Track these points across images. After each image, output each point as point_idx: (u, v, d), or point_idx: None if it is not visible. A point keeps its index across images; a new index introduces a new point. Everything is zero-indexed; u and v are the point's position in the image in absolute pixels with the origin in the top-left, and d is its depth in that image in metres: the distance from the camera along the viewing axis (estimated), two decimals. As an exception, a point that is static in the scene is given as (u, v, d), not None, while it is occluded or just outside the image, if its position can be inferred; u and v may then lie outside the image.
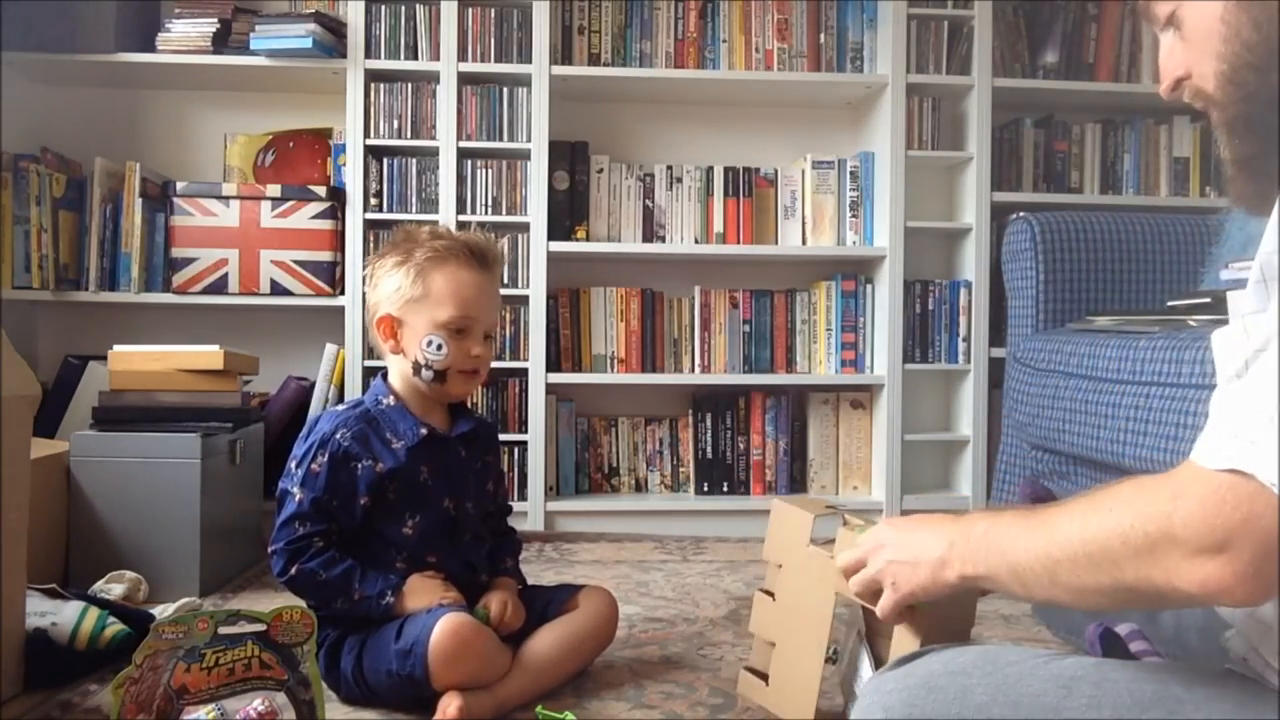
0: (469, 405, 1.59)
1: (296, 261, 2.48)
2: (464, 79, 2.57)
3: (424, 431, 1.45)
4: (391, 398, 1.48)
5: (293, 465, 1.42)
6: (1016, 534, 0.80)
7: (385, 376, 1.52)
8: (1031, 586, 0.78)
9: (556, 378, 2.60)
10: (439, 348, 1.43)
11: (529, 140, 2.57)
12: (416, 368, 1.45)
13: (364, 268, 1.52)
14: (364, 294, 1.54)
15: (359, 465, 1.41)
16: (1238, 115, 0.76)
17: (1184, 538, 0.66)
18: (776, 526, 1.28)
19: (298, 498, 1.39)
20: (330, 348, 2.50)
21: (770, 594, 1.29)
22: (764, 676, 1.31)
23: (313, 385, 2.50)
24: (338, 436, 1.41)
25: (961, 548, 0.85)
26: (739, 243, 2.68)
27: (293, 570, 1.36)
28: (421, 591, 1.38)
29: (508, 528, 1.62)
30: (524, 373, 2.58)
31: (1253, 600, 0.65)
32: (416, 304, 1.44)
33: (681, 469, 2.72)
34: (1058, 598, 0.77)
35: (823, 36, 2.70)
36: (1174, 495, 0.67)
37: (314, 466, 1.40)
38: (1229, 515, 0.64)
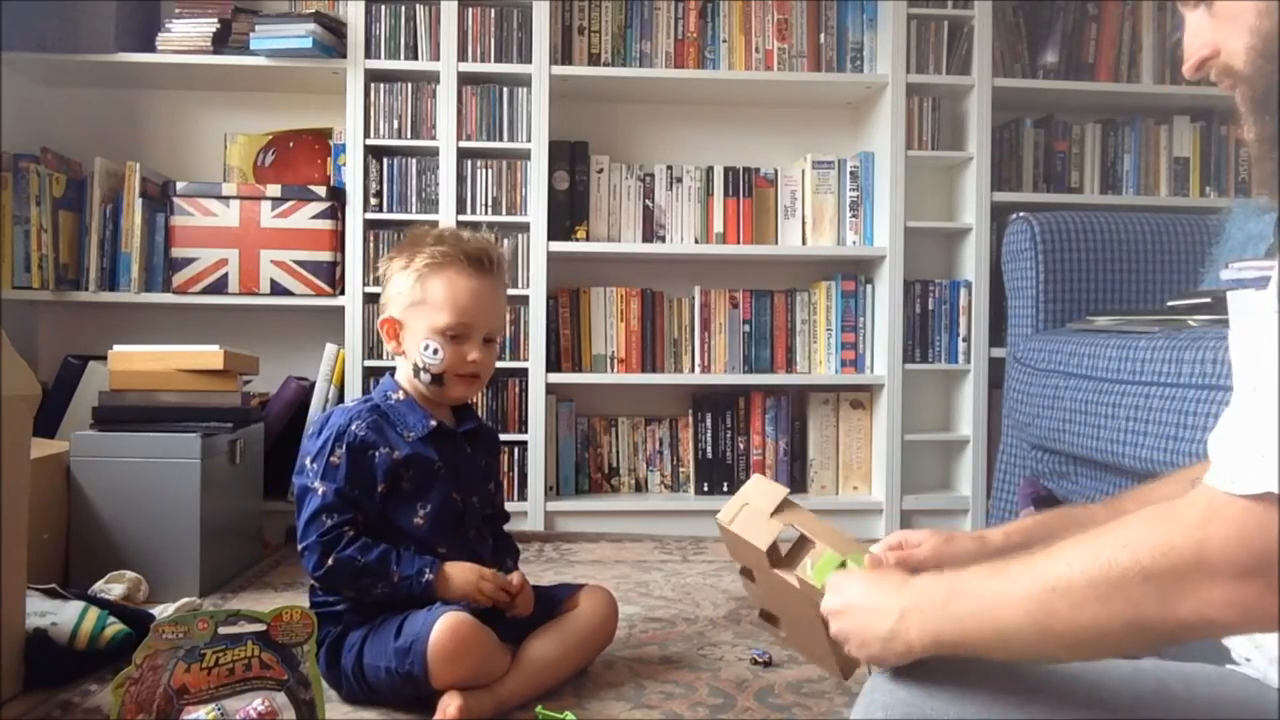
0: (471, 407, 1.60)
1: (296, 261, 2.47)
2: (464, 79, 2.57)
3: (433, 424, 1.47)
4: (400, 393, 1.50)
5: (308, 461, 1.43)
6: (989, 590, 0.72)
7: (394, 374, 1.54)
8: (1020, 645, 0.71)
9: (556, 378, 2.60)
10: (435, 352, 1.45)
11: (529, 140, 2.57)
12: (416, 370, 1.48)
13: (377, 264, 1.54)
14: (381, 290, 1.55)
15: (376, 453, 1.42)
16: (1268, 90, 0.74)
17: (1219, 564, 0.61)
18: (731, 543, 1.20)
19: (320, 491, 1.39)
20: (330, 348, 2.50)
21: (749, 575, 1.22)
22: (774, 619, 1.26)
23: (313, 385, 2.50)
24: (353, 428, 1.43)
25: (916, 617, 0.77)
26: (739, 243, 2.68)
27: (329, 562, 1.36)
28: (460, 572, 1.39)
29: (506, 534, 1.63)
30: (524, 373, 2.58)
31: None
32: (416, 308, 1.46)
33: (681, 469, 2.72)
34: (1047, 652, 0.71)
35: (823, 36, 2.70)
36: (1203, 521, 0.63)
37: (333, 459, 1.41)
38: (1267, 538, 0.60)
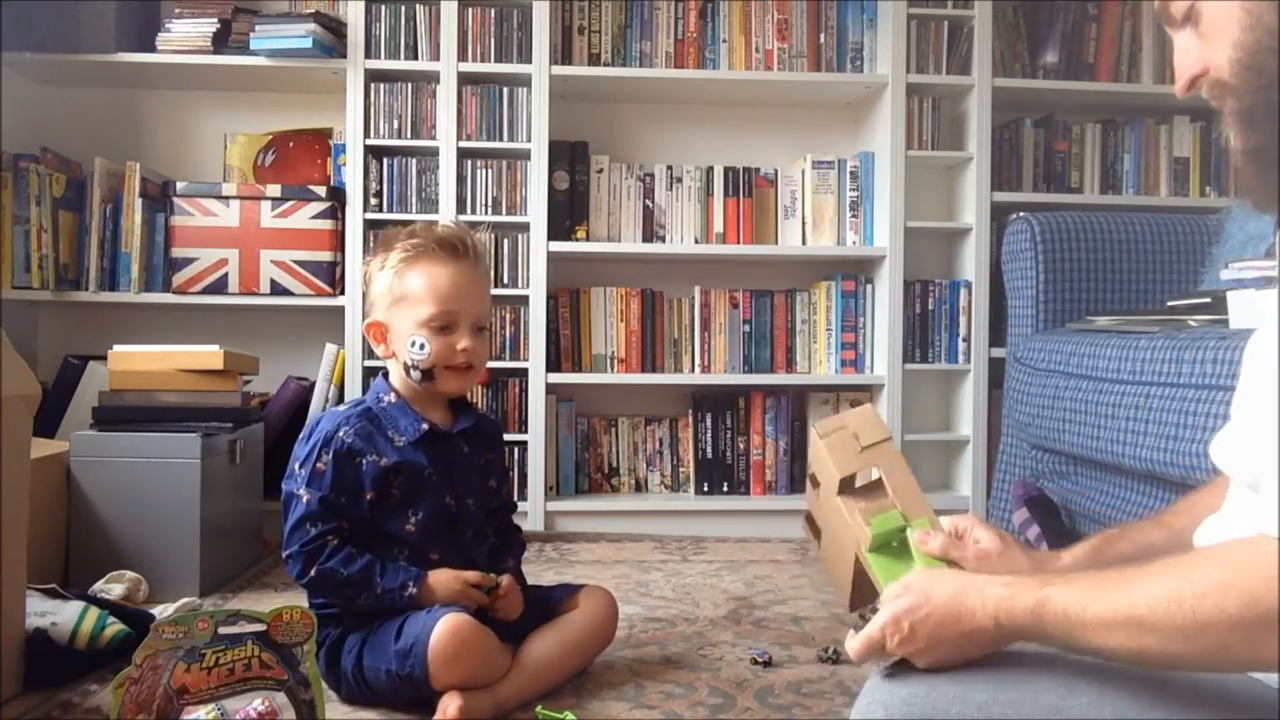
0: (470, 401, 1.58)
1: (296, 261, 2.47)
2: (464, 79, 2.57)
3: (425, 427, 1.45)
4: (392, 395, 1.48)
5: (296, 466, 1.42)
6: (1077, 610, 0.74)
7: (386, 375, 1.52)
8: (1109, 658, 0.75)
9: (556, 378, 2.60)
10: (421, 347, 1.42)
11: (529, 140, 2.57)
12: (407, 369, 1.45)
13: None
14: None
15: (364, 461, 1.41)
16: (1254, 104, 0.74)
17: None
18: (817, 454, 1.15)
19: (305, 499, 1.38)
20: (330, 348, 2.50)
21: (815, 484, 1.17)
22: (817, 532, 1.21)
23: (313, 385, 2.50)
24: (341, 434, 1.41)
25: (1011, 631, 0.78)
26: (739, 243, 2.68)
27: (312, 572, 1.36)
28: (444, 583, 1.38)
29: (513, 525, 1.62)
30: (524, 373, 2.58)
31: None
32: (398, 306, 1.44)
33: (681, 469, 2.72)
34: (1145, 669, 0.75)
35: (823, 36, 2.70)
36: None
37: (319, 466, 1.40)
38: None
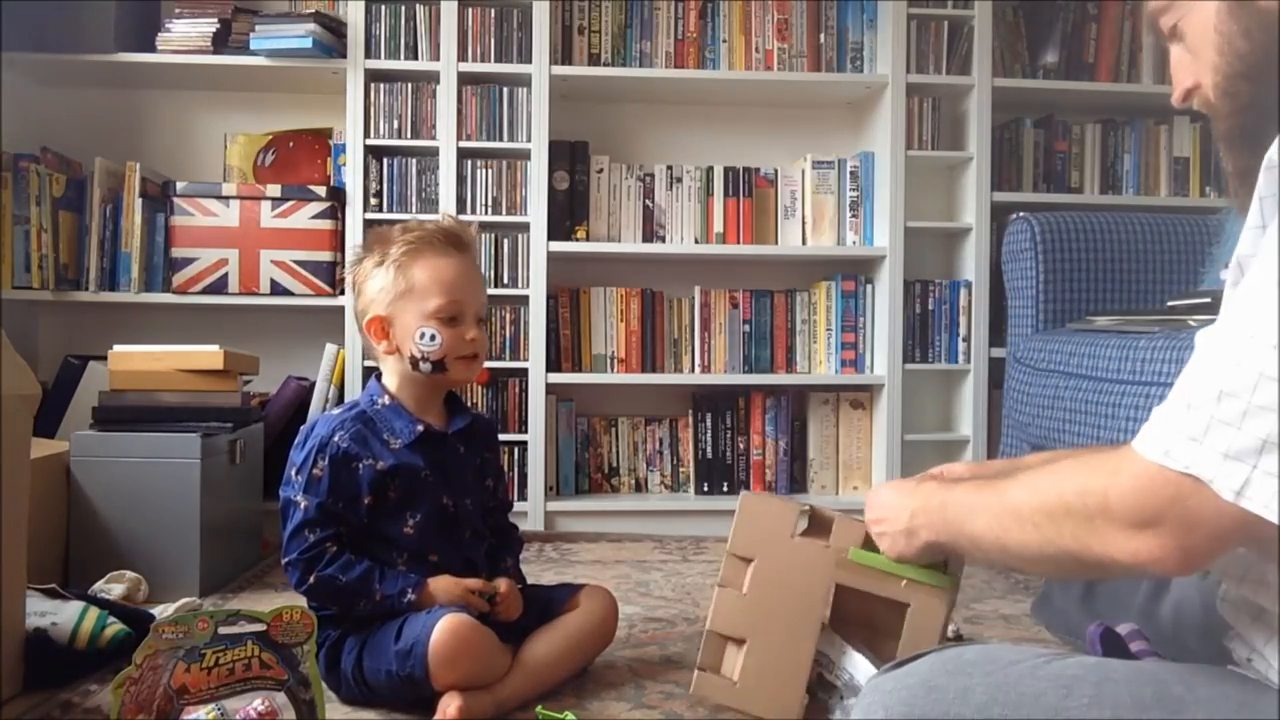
0: (466, 402, 1.58)
1: (296, 261, 2.48)
2: (464, 79, 2.57)
3: (420, 429, 1.45)
4: (386, 397, 1.48)
5: (292, 473, 1.41)
6: (970, 504, 0.88)
7: (379, 377, 1.51)
8: (988, 552, 0.85)
9: (556, 378, 2.60)
10: (432, 338, 1.42)
11: (529, 140, 2.57)
12: (414, 362, 1.44)
13: (346, 275, 1.55)
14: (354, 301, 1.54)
15: (360, 465, 1.40)
16: (1232, 128, 0.76)
17: (1118, 512, 0.71)
18: (748, 519, 1.26)
19: (303, 505, 1.38)
20: (330, 348, 2.50)
21: (735, 580, 1.23)
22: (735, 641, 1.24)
23: (313, 385, 2.50)
24: (336, 439, 1.41)
25: (922, 518, 0.97)
26: (739, 243, 2.68)
27: (311, 579, 1.36)
28: (444, 589, 1.38)
29: (509, 524, 1.61)
30: (524, 373, 2.58)
31: (1181, 571, 0.71)
32: (403, 299, 1.44)
33: (681, 469, 2.72)
34: (1010, 563, 0.85)
35: (823, 36, 2.70)
36: (1112, 472, 0.73)
37: (315, 472, 1.39)
38: (1159, 494, 0.69)
